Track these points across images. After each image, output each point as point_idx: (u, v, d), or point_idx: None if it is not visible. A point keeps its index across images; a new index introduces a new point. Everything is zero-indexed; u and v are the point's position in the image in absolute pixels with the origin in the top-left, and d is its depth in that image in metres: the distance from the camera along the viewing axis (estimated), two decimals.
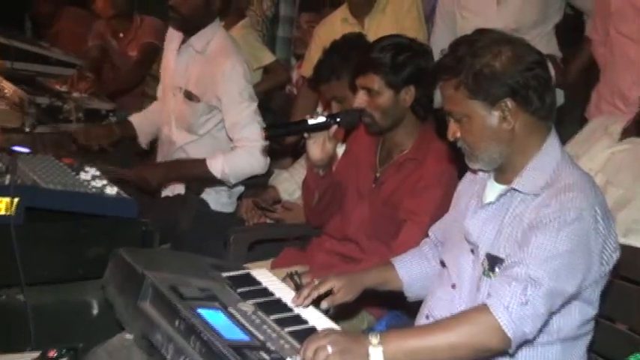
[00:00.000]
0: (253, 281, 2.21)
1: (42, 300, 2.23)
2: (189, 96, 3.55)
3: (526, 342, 1.93)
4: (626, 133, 3.06)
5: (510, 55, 1.99)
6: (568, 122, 3.93)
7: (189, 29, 3.55)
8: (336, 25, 4.22)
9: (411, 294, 2.41)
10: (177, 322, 1.78)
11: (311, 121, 2.69)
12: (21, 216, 2.18)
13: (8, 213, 2.16)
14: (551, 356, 2.04)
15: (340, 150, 3.10)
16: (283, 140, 4.25)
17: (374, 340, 1.84)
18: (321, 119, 2.70)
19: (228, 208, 3.73)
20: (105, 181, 2.48)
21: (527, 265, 1.88)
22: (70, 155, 2.89)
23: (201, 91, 3.52)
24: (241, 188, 3.72)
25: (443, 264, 2.26)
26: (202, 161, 3.46)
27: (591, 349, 2.16)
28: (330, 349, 1.78)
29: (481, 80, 2.00)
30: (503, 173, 2.12)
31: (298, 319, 2.01)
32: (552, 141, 2.07)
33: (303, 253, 3.11)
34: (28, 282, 2.16)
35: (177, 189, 3.66)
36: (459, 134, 2.09)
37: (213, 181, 3.51)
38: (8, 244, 2.12)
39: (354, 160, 2.99)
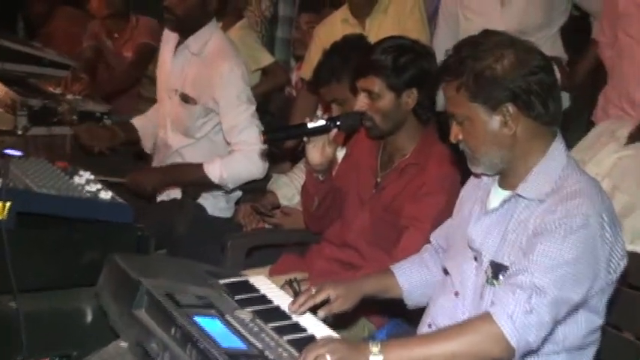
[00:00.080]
0: (251, 288, 2.22)
1: (34, 307, 2.22)
2: (185, 99, 3.55)
3: (530, 351, 1.94)
4: (632, 138, 3.06)
5: (513, 59, 2.00)
6: (574, 126, 3.93)
7: (185, 30, 3.55)
8: (336, 26, 4.23)
9: (410, 302, 2.41)
10: (173, 330, 1.79)
11: (310, 125, 2.69)
12: (13, 221, 2.18)
13: (0, 218, 2.16)
14: None
15: (340, 154, 3.10)
16: (282, 144, 4.25)
17: (374, 348, 1.84)
18: (321, 122, 2.70)
19: (226, 213, 3.73)
20: (99, 186, 2.48)
21: (532, 273, 1.89)
22: (64, 159, 2.89)
23: (198, 94, 3.51)
24: (239, 193, 3.72)
25: (446, 271, 2.26)
26: (199, 166, 3.46)
27: (598, 358, 2.15)
28: (329, 357, 1.78)
29: (482, 83, 2.01)
30: (507, 179, 2.13)
31: (297, 327, 2.01)
32: (558, 146, 2.07)
33: (303, 260, 3.12)
34: (20, 289, 2.16)
35: (173, 193, 3.66)
36: (461, 137, 2.10)
37: (211, 186, 3.51)
38: None
39: (355, 165, 2.99)
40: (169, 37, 3.70)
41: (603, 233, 1.94)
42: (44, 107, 4.08)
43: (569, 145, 2.18)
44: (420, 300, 2.40)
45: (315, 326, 2.04)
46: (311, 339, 1.93)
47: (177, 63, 3.61)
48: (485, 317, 1.89)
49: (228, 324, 1.87)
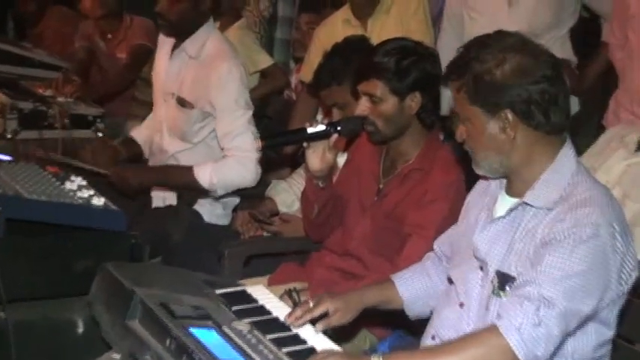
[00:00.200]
0: (249, 298, 2.22)
1: (24, 317, 2.23)
2: (181, 102, 3.54)
3: None
4: None
5: (515, 66, 1.99)
6: (584, 131, 3.93)
7: (181, 34, 3.54)
8: (337, 27, 4.23)
9: (412, 312, 2.41)
10: (167, 342, 1.79)
11: (310, 130, 2.69)
12: (2, 228, 2.19)
13: None
14: None
15: (341, 160, 3.10)
16: (281, 149, 4.26)
17: None
18: (321, 127, 2.70)
19: (223, 221, 3.73)
20: (92, 192, 2.48)
21: (540, 284, 1.88)
22: (55, 163, 2.89)
23: (195, 97, 3.51)
24: (236, 200, 3.72)
25: (450, 280, 2.26)
26: (189, 169, 3.45)
27: None
28: None
29: (479, 87, 2.02)
30: (514, 185, 2.13)
31: (296, 339, 2.01)
32: (566, 152, 2.06)
33: (302, 269, 3.11)
34: (9, 298, 2.16)
35: (168, 199, 3.66)
36: (465, 136, 2.11)
37: (199, 191, 3.50)
38: None
39: (356, 171, 2.99)
40: (165, 40, 3.69)
41: (614, 243, 1.93)
42: (34, 110, 4.09)
43: (579, 150, 2.18)
44: (421, 310, 2.40)
45: (315, 338, 2.04)
46: (311, 351, 1.93)
47: (173, 66, 3.60)
48: (492, 330, 1.89)
49: (225, 335, 1.88)
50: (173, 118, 3.61)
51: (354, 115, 2.85)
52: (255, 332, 1.95)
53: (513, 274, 2.02)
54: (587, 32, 4.21)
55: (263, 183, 3.66)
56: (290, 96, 5.23)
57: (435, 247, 2.44)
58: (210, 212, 3.66)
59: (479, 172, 2.16)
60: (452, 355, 1.88)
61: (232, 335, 1.89)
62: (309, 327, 2.12)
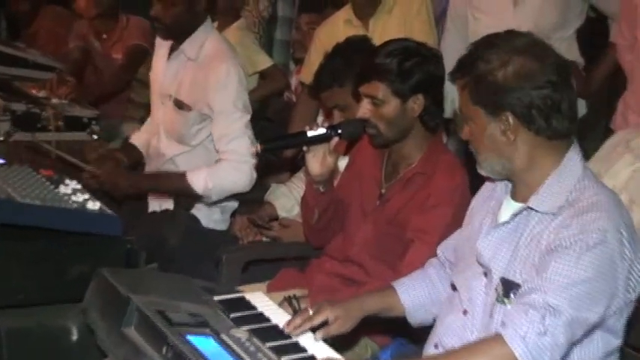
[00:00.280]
0: (248, 305, 2.22)
1: (17, 324, 2.23)
2: (179, 105, 3.54)
3: None
4: None
5: (518, 69, 1.99)
6: (592, 135, 3.93)
7: (178, 37, 3.54)
8: (338, 27, 4.24)
9: (414, 320, 2.41)
10: (164, 350, 1.79)
11: (310, 133, 2.70)
12: None
13: None
14: None
15: (342, 163, 3.10)
16: (280, 153, 4.26)
17: None
18: (322, 131, 2.70)
19: (221, 225, 3.73)
20: (86, 196, 2.48)
21: (546, 292, 1.89)
22: (49, 166, 2.89)
23: (194, 99, 3.51)
24: (235, 204, 3.72)
25: (453, 287, 2.26)
26: (182, 175, 3.45)
27: None
28: None
29: (481, 87, 2.03)
30: (518, 190, 2.13)
31: (296, 347, 2.02)
32: (573, 156, 2.06)
33: (302, 275, 3.11)
34: (1, 305, 2.17)
35: (165, 204, 3.66)
36: (469, 136, 2.12)
37: (193, 197, 3.50)
38: None
39: (358, 175, 2.99)
40: (163, 41, 3.69)
41: (622, 249, 1.93)
42: (28, 112, 4.09)
43: (587, 154, 2.18)
44: (424, 318, 2.40)
45: (315, 346, 2.04)
46: None
47: (171, 67, 3.60)
48: (497, 339, 1.89)
49: (223, 343, 1.88)
50: (170, 120, 3.61)
51: (355, 118, 2.85)
52: (254, 340, 1.95)
53: (518, 281, 2.02)
54: (594, 33, 4.21)
55: (262, 187, 3.66)
56: (290, 98, 5.23)
57: (438, 252, 2.44)
58: (208, 217, 3.66)
59: (482, 172, 2.17)
60: None
61: (230, 343, 1.89)
62: (309, 334, 2.12)
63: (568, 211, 1.98)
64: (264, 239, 3.63)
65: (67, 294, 2.29)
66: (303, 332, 2.12)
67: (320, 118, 4.01)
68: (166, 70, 3.62)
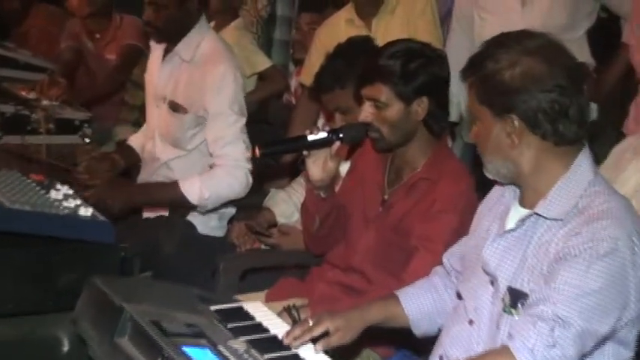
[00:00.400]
0: (246, 315, 2.22)
1: (5, 334, 2.23)
2: (174, 107, 3.54)
3: None
4: None
5: (525, 71, 2.00)
6: (603, 139, 3.93)
7: (172, 39, 3.55)
8: (340, 27, 4.24)
9: (418, 330, 2.41)
10: None
11: (311, 137, 2.70)
12: None
13: None
14: None
15: (344, 168, 3.10)
16: (280, 157, 4.26)
17: None
18: (322, 135, 2.70)
19: (218, 232, 3.73)
20: (78, 201, 2.48)
21: (555, 303, 1.89)
22: (39, 171, 2.89)
23: (190, 102, 3.51)
24: (232, 210, 3.72)
25: (459, 296, 2.26)
26: (174, 184, 3.44)
27: None
28: None
29: (487, 87, 2.04)
30: (526, 196, 2.13)
31: (296, 359, 2.02)
32: (582, 161, 2.06)
33: (302, 284, 3.11)
34: None
35: (160, 210, 3.66)
36: (476, 137, 2.13)
37: (185, 207, 3.50)
38: None
39: (360, 180, 2.99)
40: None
41: (634, 258, 1.93)
42: (17, 114, 4.08)
43: (598, 160, 2.18)
44: (428, 328, 2.40)
45: (315, 358, 2.04)
46: None
47: (165, 68, 3.60)
48: (504, 351, 1.89)
49: (220, 355, 1.88)
50: (165, 123, 3.61)
51: (357, 122, 2.85)
52: (252, 351, 1.95)
53: (525, 290, 2.02)
54: (606, 34, 4.21)
55: (261, 193, 3.66)
56: (289, 100, 5.24)
57: (444, 260, 2.43)
58: (205, 223, 3.65)
59: (488, 175, 2.18)
60: None
61: (228, 354, 1.89)
62: (309, 346, 2.12)
63: (578, 218, 1.98)
64: (262, 247, 3.64)
65: (58, 303, 2.28)
66: (303, 343, 2.12)
67: (321, 122, 4.01)
68: (161, 72, 3.62)
